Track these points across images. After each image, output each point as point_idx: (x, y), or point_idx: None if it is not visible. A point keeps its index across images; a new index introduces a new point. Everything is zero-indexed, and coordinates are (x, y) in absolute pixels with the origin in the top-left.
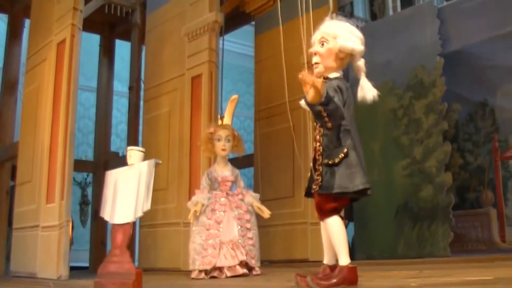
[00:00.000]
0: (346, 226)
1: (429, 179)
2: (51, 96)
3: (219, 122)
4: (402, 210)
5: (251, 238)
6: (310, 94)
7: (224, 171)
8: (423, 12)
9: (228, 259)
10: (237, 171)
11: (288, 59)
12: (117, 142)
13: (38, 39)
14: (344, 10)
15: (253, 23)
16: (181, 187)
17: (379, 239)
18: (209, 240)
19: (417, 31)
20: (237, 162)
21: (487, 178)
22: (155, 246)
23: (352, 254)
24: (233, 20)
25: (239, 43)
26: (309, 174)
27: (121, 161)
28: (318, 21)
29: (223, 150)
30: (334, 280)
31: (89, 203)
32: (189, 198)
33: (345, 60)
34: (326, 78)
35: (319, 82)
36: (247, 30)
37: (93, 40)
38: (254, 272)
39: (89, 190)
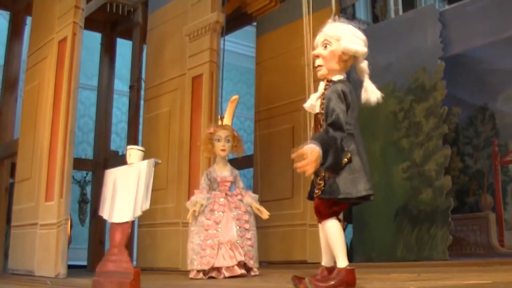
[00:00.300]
0: (345, 228)
1: (429, 182)
2: (51, 94)
3: (219, 122)
4: (401, 213)
5: (249, 239)
6: (309, 170)
7: (223, 171)
8: (424, 15)
9: (227, 260)
10: (236, 171)
11: (289, 60)
12: (117, 141)
13: (39, 37)
14: (346, 12)
15: (255, 24)
16: (180, 187)
17: (378, 241)
18: (208, 240)
19: (418, 34)
20: (237, 163)
21: (486, 182)
22: (153, 246)
23: (351, 257)
24: (235, 21)
25: (241, 43)
26: (312, 178)
27: (121, 160)
28: (319, 23)
29: (223, 150)
30: (332, 282)
31: (88, 201)
32: (188, 198)
33: (349, 63)
34: (330, 81)
35: (313, 159)
36: (249, 31)
37: (94, 39)
38: (252, 273)
39: (88, 189)
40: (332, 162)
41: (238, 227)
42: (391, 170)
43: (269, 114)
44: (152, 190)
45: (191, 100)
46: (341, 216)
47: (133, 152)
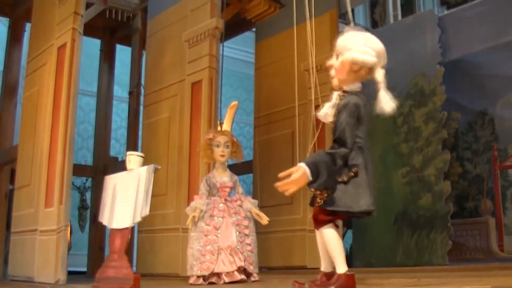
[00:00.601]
0: (344, 234)
1: (428, 187)
2: (51, 100)
3: (219, 128)
4: (401, 218)
5: (249, 244)
6: (290, 189)
7: (223, 177)
8: (423, 20)
9: (226, 265)
10: (235, 177)
11: (289, 66)
12: (116, 147)
13: (39, 43)
14: (345, 18)
15: (254, 29)
16: (180, 193)
17: (377, 246)
18: (207, 246)
19: (417, 40)
20: (236, 169)
21: (486, 187)
22: (153, 252)
23: (350, 262)
24: (234, 26)
25: (240, 49)
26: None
27: (121, 166)
28: (319, 29)
29: (222, 156)
30: (331, 285)
31: (88, 207)
32: (188, 204)
33: (361, 73)
34: (345, 92)
35: (295, 178)
36: (248, 37)
37: (93, 45)
38: (252, 278)
39: (88, 195)
40: (323, 181)
41: (237, 233)
42: (391, 175)
43: (269, 120)
44: (152, 196)
45: (191, 106)
46: (340, 222)
47: (133, 158)
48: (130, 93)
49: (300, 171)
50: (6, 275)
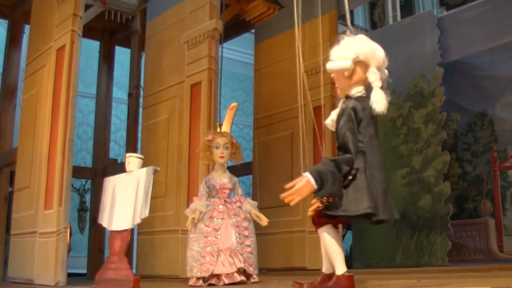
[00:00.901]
0: (344, 235)
1: (428, 188)
2: (50, 102)
3: (218, 129)
4: (400, 220)
5: (249, 246)
6: (294, 200)
7: (222, 178)
8: (423, 21)
9: (226, 267)
10: (235, 178)
11: (288, 67)
12: (116, 149)
13: (38, 45)
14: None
15: (253, 31)
16: (179, 195)
17: (377, 248)
18: (207, 248)
19: (417, 41)
20: (236, 170)
21: (485, 188)
22: (153, 253)
23: (350, 263)
24: (233, 28)
25: (239, 51)
26: None
27: (120, 168)
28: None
29: (221, 157)
30: (329, 286)
31: (88, 209)
32: (188, 206)
33: (356, 77)
34: (347, 97)
35: (299, 188)
36: (247, 38)
37: (92, 47)
38: (252, 280)
39: (88, 197)
40: (328, 189)
41: (237, 234)
42: (390, 177)
43: (268, 121)
44: (151, 198)
45: (190, 108)
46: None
47: (132, 160)
48: (129, 95)
49: (304, 180)
50: (6, 277)
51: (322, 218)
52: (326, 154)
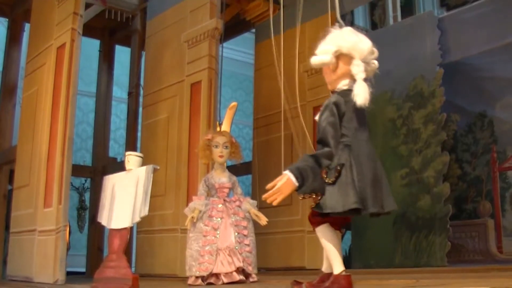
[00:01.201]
0: (343, 235)
1: (427, 189)
2: (50, 101)
3: (218, 129)
4: (399, 220)
5: (248, 245)
6: (276, 199)
7: (221, 177)
8: (423, 22)
9: (225, 266)
10: (234, 177)
11: (288, 66)
12: (115, 147)
13: (38, 43)
14: (345, 19)
15: (253, 31)
16: (178, 194)
17: (376, 248)
18: (206, 247)
19: (417, 41)
20: (235, 170)
21: (485, 189)
22: (152, 252)
23: (349, 263)
24: (234, 27)
25: (240, 51)
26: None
27: (119, 167)
28: (317, 31)
29: (221, 156)
30: (327, 285)
31: (87, 208)
32: (187, 205)
33: (340, 69)
34: (333, 92)
35: (280, 187)
36: (248, 38)
37: (93, 45)
38: (251, 279)
39: (87, 196)
40: (310, 185)
41: (236, 233)
42: (390, 177)
43: (268, 121)
44: (151, 197)
45: (190, 107)
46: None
47: (132, 158)
48: (129, 93)
49: (284, 178)
50: (5, 275)
51: (316, 217)
52: None
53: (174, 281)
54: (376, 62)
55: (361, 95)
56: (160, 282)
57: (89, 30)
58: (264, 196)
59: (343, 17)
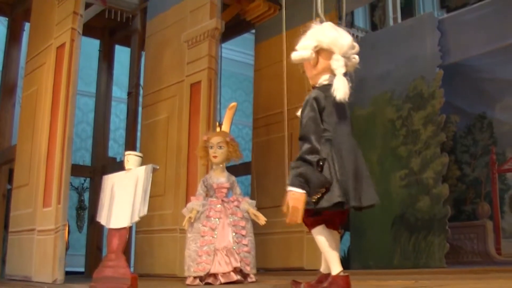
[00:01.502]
0: (342, 236)
1: (426, 190)
2: (49, 100)
3: (218, 129)
4: (398, 221)
5: (246, 245)
6: (297, 219)
7: (220, 177)
8: (423, 23)
9: (223, 266)
10: (233, 177)
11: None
12: (115, 148)
13: (38, 43)
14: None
15: (253, 31)
16: (178, 194)
17: (375, 249)
18: (204, 247)
19: (417, 42)
20: (235, 170)
21: (484, 191)
22: (151, 252)
23: (348, 264)
24: (233, 28)
25: (240, 51)
26: None
27: (119, 167)
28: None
29: (214, 157)
30: (325, 286)
31: (86, 208)
32: (186, 205)
33: (321, 64)
34: (313, 87)
35: (293, 209)
36: (248, 39)
37: (92, 45)
38: (249, 279)
39: (86, 195)
40: (315, 184)
41: (234, 233)
42: (389, 178)
43: (267, 121)
44: (150, 197)
45: (190, 107)
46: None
47: (131, 158)
48: (129, 93)
49: (291, 196)
50: (3, 275)
51: (309, 217)
52: None
53: (173, 281)
54: (357, 57)
55: (341, 89)
56: (159, 282)
57: (89, 29)
58: (287, 221)
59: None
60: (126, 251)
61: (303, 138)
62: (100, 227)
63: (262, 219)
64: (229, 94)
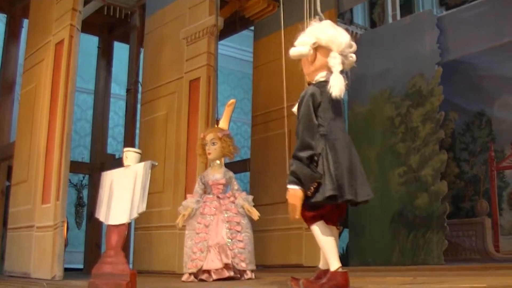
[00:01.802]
0: (340, 233)
1: (425, 187)
2: (48, 97)
3: (216, 126)
4: (397, 218)
5: (241, 241)
6: (296, 214)
7: (216, 174)
8: (422, 21)
9: (215, 262)
10: (230, 173)
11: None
12: (113, 144)
13: (36, 39)
14: (344, 17)
15: (252, 28)
16: (176, 191)
17: (374, 246)
18: (198, 244)
19: (416, 40)
20: (233, 167)
21: (482, 188)
22: (150, 249)
23: (347, 261)
24: (232, 25)
25: (238, 48)
26: None
27: (118, 164)
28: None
29: (209, 154)
30: (323, 281)
31: (85, 205)
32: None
33: (318, 61)
34: (309, 84)
35: (291, 205)
36: (246, 36)
37: (91, 42)
38: (245, 276)
39: (85, 192)
40: (310, 178)
41: (228, 229)
42: (387, 175)
43: (266, 118)
44: (149, 193)
45: (188, 104)
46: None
47: (130, 154)
48: (128, 90)
49: (288, 193)
50: (2, 271)
51: (306, 212)
52: None
53: (171, 277)
54: (354, 56)
55: (337, 86)
56: (158, 279)
57: (87, 26)
58: (290, 218)
59: (341, 15)
60: (125, 248)
61: (299, 134)
62: (99, 224)
63: (255, 215)
64: (228, 91)
